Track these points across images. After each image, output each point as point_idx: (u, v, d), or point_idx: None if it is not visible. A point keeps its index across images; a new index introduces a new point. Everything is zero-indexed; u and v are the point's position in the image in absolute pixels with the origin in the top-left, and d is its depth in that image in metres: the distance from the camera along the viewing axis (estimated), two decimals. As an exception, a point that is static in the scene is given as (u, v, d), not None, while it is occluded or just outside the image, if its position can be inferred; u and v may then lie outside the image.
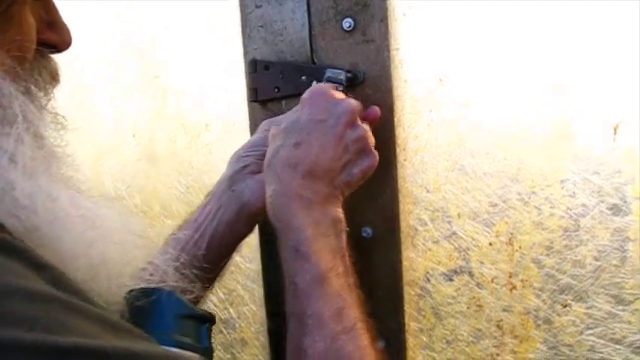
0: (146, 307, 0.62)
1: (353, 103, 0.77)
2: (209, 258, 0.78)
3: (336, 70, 0.86)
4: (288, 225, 0.69)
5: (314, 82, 0.86)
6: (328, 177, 0.73)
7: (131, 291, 0.61)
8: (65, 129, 0.61)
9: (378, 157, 0.78)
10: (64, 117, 0.61)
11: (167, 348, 0.59)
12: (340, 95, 0.79)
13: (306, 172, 0.71)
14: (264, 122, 0.86)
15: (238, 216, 0.80)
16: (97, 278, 0.55)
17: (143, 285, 0.63)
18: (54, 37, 0.61)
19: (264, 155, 0.81)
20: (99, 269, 0.55)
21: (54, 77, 0.61)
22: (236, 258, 1.04)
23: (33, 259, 0.45)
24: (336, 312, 0.64)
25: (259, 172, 0.81)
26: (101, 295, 0.54)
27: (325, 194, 0.72)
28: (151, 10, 1.06)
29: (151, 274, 0.65)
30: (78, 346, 0.40)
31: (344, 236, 0.72)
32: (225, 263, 0.84)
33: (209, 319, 0.70)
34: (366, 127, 0.77)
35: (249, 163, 0.82)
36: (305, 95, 0.78)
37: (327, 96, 0.77)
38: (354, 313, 0.65)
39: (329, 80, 0.85)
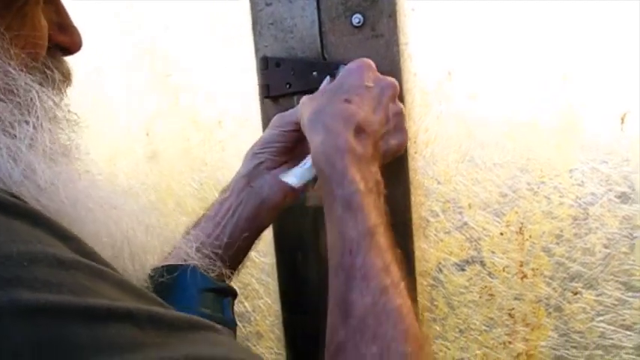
0: (169, 283, 0.63)
1: (395, 80, 0.81)
2: (229, 253, 0.80)
3: None
4: (342, 175, 0.67)
5: (327, 78, 0.87)
6: (374, 138, 0.73)
7: (155, 269, 0.62)
8: (78, 126, 0.62)
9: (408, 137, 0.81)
10: (76, 114, 0.62)
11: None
12: None
13: (357, 127, 0.71)
14: (275, 118, 0.88)
15: (258, 211, 0.82)
16: (119, 257, 0.56)
17: (166, 263, 0.65)
18: (65, 39, 0.62)
19: (278, 151, 0.83)
20: (121, 249, 0.57)
21: (66, 77, 0.63)
22: (251, 252, 1.06)
23: (59, 229, 0.46)
24: (385, 266, 0.63)
25: (275, 167, 0.83)
26: (124, 273, 0.55)
27: (371, 153, 0.72)
28: (163, 9, 1.07)
29: (172, 257, 0.67)
30: (104, 307, 0.41)
31: (383, 199, 0.71)
32: (244, 258, 0.85)
33: (231, 292, 0.71)
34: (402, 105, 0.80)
35: (265, 160, 0.84)
36: (352, 65, 0.80)
37: (373, 69, 0.80)
38: (399, 270, 0.65)
39: None
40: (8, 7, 0.55)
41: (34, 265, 0.41)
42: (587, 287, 0.88)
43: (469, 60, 0.89)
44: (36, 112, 0.56)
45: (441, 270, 0.94)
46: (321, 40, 0.92)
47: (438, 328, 0.96)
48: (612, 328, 0.88)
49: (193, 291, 0.65)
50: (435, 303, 0.95)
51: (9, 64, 0.55)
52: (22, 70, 0.56)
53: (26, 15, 0.57)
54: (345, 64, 0.89)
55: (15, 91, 0.55)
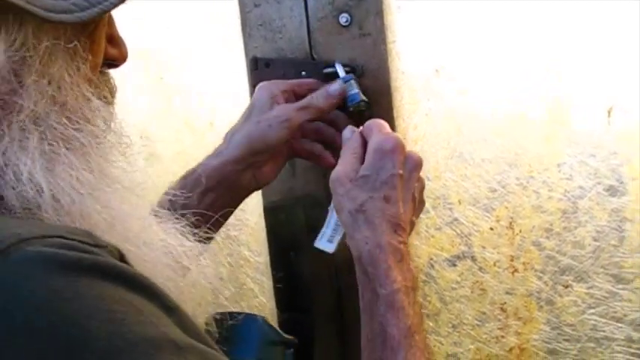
0: (235, 332, 0.65)
1: (418, 157, 0.77)
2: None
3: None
4: (385, 275, 0.70)
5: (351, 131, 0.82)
6: (409, 229, 0.75)
7: (221, 314, 0.63)
8: (131, 152, 0.60)
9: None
10: (129, 137, 0.60)
11: None
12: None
13: (397, 226, 0.73)
14: (282, 108, 0.85)
15: (230, 202, 0.86)
16: (185, 304, 0.55)
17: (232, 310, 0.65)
18: (115, 52, 0.61)
19: (266, 159, 0.86)
20: (189, 294, 0.58)
21: (113, 95, 0.61)
22: (245, 252, 1.07)
23: (166, 301, 0.45)
24: None
25: (261, 167, 0.86)
26: (195, 318, 0.55)
27: (407, 246, 0.74)
28: (153, 12, 1.08)
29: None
30: None
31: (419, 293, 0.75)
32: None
33: (293, 344, 0.74)
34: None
35: (257, 161, 0.85)
36: (386, 145, 0.75)
37: (402, 149, 0.76)
38: None
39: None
40: (83, 32, 0.54)
41: (158, 353, 0.41)
42: (578, 280, 0.89)
43: (456, 57, 0.89)
44: (128, 149, 0.56)
45: (432, 266, 0.95)
46: (310, 41, 0.93)
47: (431, 324, 0.96)
48: (604, 320, 0.88)
49: (257, 343, 0.67)
50: (428, 299, 0.96)
51: (88, 91, 0.54)
52: (96, 98, 0.55)
53: (95, 37, 0.56)
54: (334, 64, 0.89)
55: (91, 120, 0.54)
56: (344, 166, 0.76)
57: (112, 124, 0.58)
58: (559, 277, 0.89)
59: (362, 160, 0.76)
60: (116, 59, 0.61)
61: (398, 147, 0.75)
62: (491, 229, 0.91)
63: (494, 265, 0.92)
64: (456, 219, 0.93)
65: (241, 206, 1.04)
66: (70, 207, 0.49)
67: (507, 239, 0.91)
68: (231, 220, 1.05)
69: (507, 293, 0.92)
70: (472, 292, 0.94)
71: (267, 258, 1.03)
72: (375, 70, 0.90)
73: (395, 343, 0.67)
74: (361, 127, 0.80)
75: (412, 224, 0.77)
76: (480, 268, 0.93)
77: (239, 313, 0.67)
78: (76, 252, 0.42)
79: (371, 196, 0.73)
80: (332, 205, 0.79)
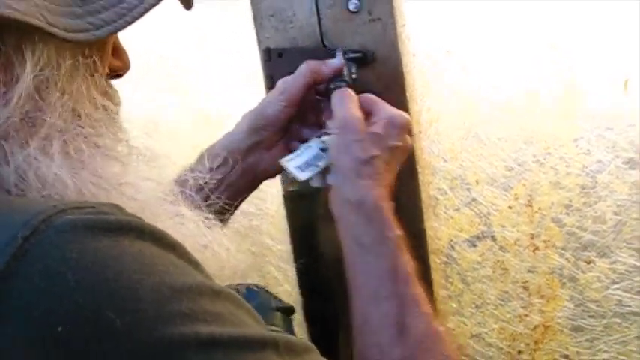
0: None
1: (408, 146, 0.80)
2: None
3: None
4: (390, 219, 0.74)
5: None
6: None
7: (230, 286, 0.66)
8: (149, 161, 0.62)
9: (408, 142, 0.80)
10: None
11: None
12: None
13: (388, 188, 0.76)
14: (280, 85, 0.85)
15: (247, 187, 0.86)
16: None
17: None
18: (118, 62, 0.63)
19: (279, 130, 0.84)
20: (211, 270, 0.60)
21: (117, 103, 0.63)
22: (267, 241, 1.08)
23: (190, 256, 0.49)
24: (424, 295, 0.71)
25: (272, 147, 0.85)
26: None
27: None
28: (164, 7, 1.09)
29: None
30: (256, 336, 0.46)
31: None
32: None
33: (292, 311, 0.79)
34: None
35: (264, 139, 0.84)
36: (397, 119, 0.78)
37: (408, 128, 0.79)
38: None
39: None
40: (97, 47, 0.58)
41: (200, 297, 0.45)
42: (601, 255, 0.88)
43: (467, 37, 0.89)
44: (129, 145, 0.59)
45: (453, 247, 0.95)
46: (320, 28, 0.93)
47: (454, 305, 0.97)
48: (628, 295, 0.88)
49: (259, 308, 0.72)
50: (450, 280, 0.96)
51: (105, 100, 0.58)
52: (113, 104, 0.59)
53: (105, 51, 0.60)
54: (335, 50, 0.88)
55: (110, 125, 0.57)
56: (355, 111, 0.78)
57: (125, 128, 0.61)
58: (581, 253, 0.89)
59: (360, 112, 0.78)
60: (120, 69, 0.64)
61: (406, 126, 0.78)
62: (510, 207, 0.91)
63: (515, 243, 0.92)
64: (474, 199, 0.93)
65: (261, 195, 1.06)
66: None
67: (527, 217, 0.91)
68: (252, 209, 1.07)
69: (529, 271, 0.92)
70: (494, 271, 0.94)
71: (289, 246, 1.04)
72: (386, 54, 0.90)
73: (407, 276, 0.71)
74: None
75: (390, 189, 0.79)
76: (501, 248, 0.93)
77: (241, 284, 0.70)
78: (113, 216, 0.46)
79: (379, 155, 0.76)
80: (320, 139, 0.81)
